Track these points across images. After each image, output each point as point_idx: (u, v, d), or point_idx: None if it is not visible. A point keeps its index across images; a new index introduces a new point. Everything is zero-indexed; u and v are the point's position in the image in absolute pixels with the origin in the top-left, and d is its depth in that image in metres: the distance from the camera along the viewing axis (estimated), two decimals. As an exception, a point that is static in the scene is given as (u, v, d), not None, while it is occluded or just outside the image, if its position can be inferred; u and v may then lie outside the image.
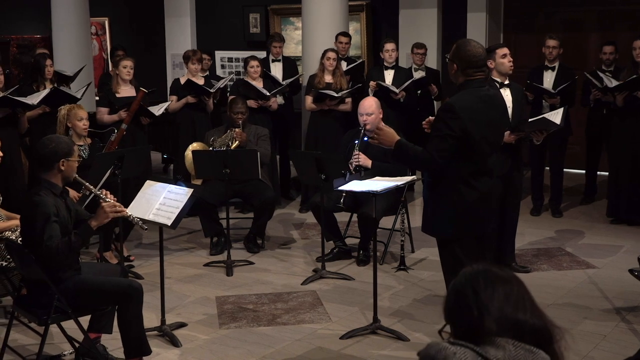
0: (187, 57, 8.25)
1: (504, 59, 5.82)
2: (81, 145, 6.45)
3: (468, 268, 2.12)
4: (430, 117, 4.54)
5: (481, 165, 4.23)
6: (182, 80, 8.13)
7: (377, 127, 4.47)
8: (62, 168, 4.22)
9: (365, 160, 6.36)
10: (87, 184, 4.57)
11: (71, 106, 6.47)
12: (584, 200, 8.54)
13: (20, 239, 4.88)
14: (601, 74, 7.61)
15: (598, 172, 8.54)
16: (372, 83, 8.23)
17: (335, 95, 7.84)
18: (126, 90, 7.47)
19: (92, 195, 4.62)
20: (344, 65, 8.65)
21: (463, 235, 4.27)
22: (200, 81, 8.17)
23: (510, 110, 5.73)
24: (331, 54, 8.02)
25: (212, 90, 8.08)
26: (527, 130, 5.85)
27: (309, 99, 8.10)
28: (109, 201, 4.29)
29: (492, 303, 2.01)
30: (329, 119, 8.06)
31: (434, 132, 4.18)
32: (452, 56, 4.26)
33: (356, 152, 6.36)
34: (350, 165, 6.28)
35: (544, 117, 5.92)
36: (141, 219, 4.51)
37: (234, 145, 6.90)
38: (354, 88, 8.05)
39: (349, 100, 8.06)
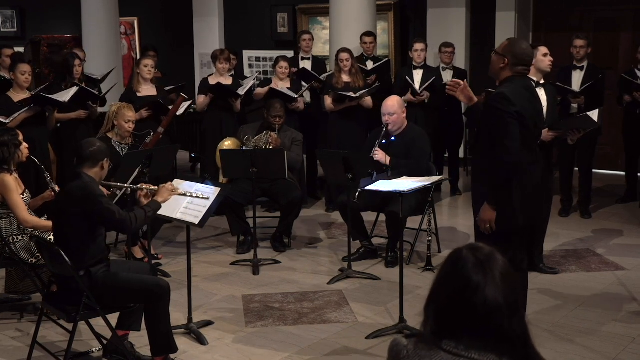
0: (214, 57, 8.22)
1: (545, 57, 5.91)
2: (122, 144, 6.48)
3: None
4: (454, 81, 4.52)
5: (534, 154, 4.27)
6: (211, 80, 8.07)
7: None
8: (104, 167, 4.39)
9: (383, 157, 6.36)
10: (118, 183, 4.74)
11: (122, 105, 6.50)
12: (623, 199, 8.41)
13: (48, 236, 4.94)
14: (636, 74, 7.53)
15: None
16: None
17: (354, 96, 7.80)
18: (147, 89, 7.50)
19: (124, 190, 4.74)
20: (370, 65, 8.63)
21: (527, 224, 4.29)
22: (229, 80, 8.14)
23: (544, 110, 5.71)
24: (343, 55, 7.98)
25: (241, 93, 7.99)
26: (565, 129, 5.83)
27: (328, 100, 8.05)
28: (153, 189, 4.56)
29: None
30: (350, 121, 8.00)
31: (497, 132, 4.15)
32: (504, 51, 4.28)
33: (376, 147, 6.37)
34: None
35: (586, 115, 5.91)
36: (193, 192, 4.62)
37: None
38: (372, 88, 7.96)
39: (368, 97, 8.00)
